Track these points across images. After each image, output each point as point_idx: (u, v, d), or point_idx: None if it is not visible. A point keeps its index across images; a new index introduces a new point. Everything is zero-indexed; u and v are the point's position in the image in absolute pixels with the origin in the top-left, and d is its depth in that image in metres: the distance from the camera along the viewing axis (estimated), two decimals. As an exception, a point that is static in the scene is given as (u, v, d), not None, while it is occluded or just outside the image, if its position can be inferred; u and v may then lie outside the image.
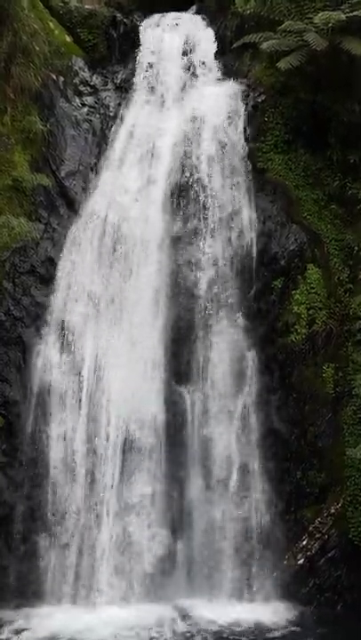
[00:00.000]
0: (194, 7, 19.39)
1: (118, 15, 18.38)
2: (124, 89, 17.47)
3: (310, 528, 14.67)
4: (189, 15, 18.92)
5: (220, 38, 17.94)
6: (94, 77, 17.57)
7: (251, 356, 15.20)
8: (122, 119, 16.94)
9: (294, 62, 15.40)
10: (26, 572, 14.06)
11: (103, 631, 13.07)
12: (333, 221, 16.02)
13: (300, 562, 14.54)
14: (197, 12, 19.11)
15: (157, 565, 14.26)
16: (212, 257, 15.53)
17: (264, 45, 15.93)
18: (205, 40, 17.80)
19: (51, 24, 17.50)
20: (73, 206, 15.99)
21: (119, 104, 17.22)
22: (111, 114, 17.07)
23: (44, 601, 13.92)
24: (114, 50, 18.03)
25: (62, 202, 15.98)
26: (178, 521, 14.54)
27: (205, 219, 15.70)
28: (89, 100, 17.19)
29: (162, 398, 14.88)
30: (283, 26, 15.86)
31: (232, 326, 15.30)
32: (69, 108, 16.85)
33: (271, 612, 14.01)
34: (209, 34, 18.00)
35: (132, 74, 17.59)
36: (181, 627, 13.40)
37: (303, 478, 14.85)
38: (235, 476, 14.79)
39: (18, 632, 13.01)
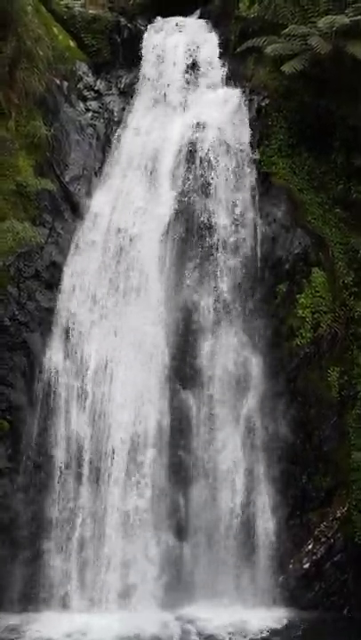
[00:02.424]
0: (197, 11, 19.37)
1: (122, 20, 18.44)
2: (128, 94, 17.50)
3: (316, 532, 14.65)
4: (193, 20, 18.92)
5: (223, 42, 17.92)
6: (98, 82, 17.60)
7: (256, 360, 15.19)
8: (126, 124, 16.97)
9: (298, 66, 15.40)
10: (31, 576, 14.06)
11: (108, 637, 13.05)
12: (338, 225, 16.01)
13: (306, 566, 14.52)
14: (201, 17, 19.09)
15: (162, 570, 14.24)
16: (217, 260, 15.51)
17: (268, 49, 15.93)
18: (209, 44, 17.77)
19: (54, 29, 17.53)
20: (77, 211, 16.01)
21: (123, 109, 17.25)
22: (115, 118, 17.09)
23: (49, 606, 13.94)
24: (118, 54, 18.10)
25: (66, 206, 15.99)
26: (183, 525, 14.53)
27: (209, 222, 15.69)
28: (93, 104, 17.22)
29: (166, 403, 14.87)
30: (287, 30, 15.87)
31: (237, 330, 15.30)
32: (73, 112, 16.88)
33: (278, 616, 14.00)
34: (213, 38, 17.98)
35: (136, 78, 17.60)
36: (186, 632, 13.38)
37: (308, 482, 14.84)
38: (240, 480, 14.78)
39: (22, 636, 13.01)
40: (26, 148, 15.94)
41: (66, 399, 14.66)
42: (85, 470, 14.43)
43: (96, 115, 17.10)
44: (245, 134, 16.35)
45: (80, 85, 17.37)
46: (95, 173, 16.43)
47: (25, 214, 15.42)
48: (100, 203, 16.09)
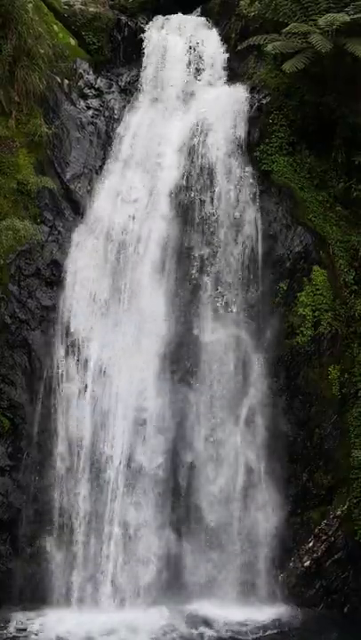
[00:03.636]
0: (198, 9, 19.32)
1: (123, 18, 18.39)
2: (129, 91, 17.46)
3: (316, 530, 14.67)
4: (194, 17, 18.85)
5: (224, 40, 17.88)
6: (99, 80, 17.56)
7: (256, 358, 15.19)
8: (126, 122, 16.90)
9: (299, 65, 15.38)
10: (32, 574, 14.11)
11: (110, 634, 13.08)
12: (338, 223, 16.02)
13: (307, 564, 14.54)
14: (202, 15, 19.03)
15: (164, 568, 14.30)
16: (218, 259, 15.52)
17: (269, 47, 15.91)
18: (210, 42, 17.73)
19: (55, 27, 17.51)
20: (78, 209, 16.00)
21: (124, 107, 17.20)
22: (116, 116, 17.04)
23: (50, 604, 13.98)
24: (118, 52, 18.07)
25: (67, 204, 15.99)
26: (184, 523, 14.55)
27: (210, 221, 15.70)
28: (94, 102, 17.18)
29: (167, 401, 14.89)
30: (287, 28, 15.82)
31: (238, 328, 15.30)
32: (74, 110, 16.85)
33: (278, 614, 14.02)
34: (213, 36, 17.94)
35: (137, 76, 17.57)
36: (187, 629, 13.40)
37: (309, 480, 14.86)
38: (241, 478, 14.80)
39: (24, 634, 13.03)
40: (26, 147, 15.94)
41: (66, 397, 14.67)
42: (86, 468, 14.44)
43: (97, 113, 17.06)
44: (246, 132, 16.31)
45: (81, 83, 17.33)
46: (96, 171, 16.40)
47: (26, 212, 15.43)
48: (100, 201, 16.07)
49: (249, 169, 16.18)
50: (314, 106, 16.20)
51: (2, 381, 14.39)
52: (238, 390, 15.06)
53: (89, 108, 17.06)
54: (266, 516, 14.67)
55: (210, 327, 15.25)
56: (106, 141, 16.71)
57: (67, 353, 14.94)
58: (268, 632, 13.48)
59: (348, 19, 15.23)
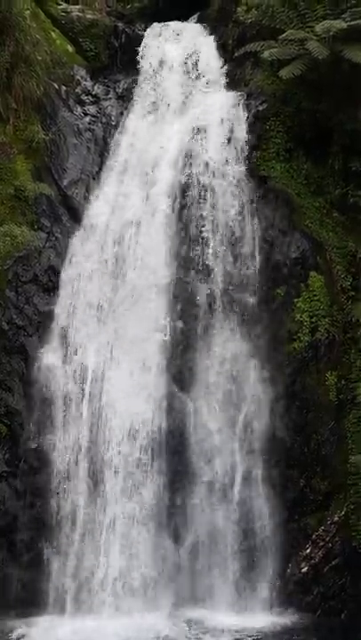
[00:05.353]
0: (195, 16, 19.41)
1: (120, 24, 18.50)
2: (126, 98, 17.52)
3: (314, 536, 14.63)
4: (191, 24, 18.95)
5: (221, 47, 17.95)
6: (96, 87, 17.63)
7: (253, 364, 15.18)
8: (124, 128, 16.98)
9: (296, 71, 15.41)
10: (29, 580, 14.06)
11: (106, 641, 13.08)
12: (335, 229, 16.03)
13: (304, 570, 14.51)
14: (199, 21, 19.13)
15: (160, 575, 14.21)
16: (215, 265, 15.53)
17: (265, 54, 15.95)
18: (207, 49, 17.82)
19: (53, 34, 17.59)
20: (75, 215, 16.04)
21: (121, 113, 17.27)
22: (113, 123, 17.11)
23: (47, 610, 13.91)
24: (116, 59, 18.18)
25: (64, 211, 16.02)
26: (181, 530, 14.50)
27: (207, 227, 15.71)
28: (91, 109, 17.24)
29: (165, 407, 14.84)
30: (284, 35, 15.84)
31: (235, 334, 15.29)
32: (71, 117, 16.91)
33: (275, 620, 13.97)
34: (210, 43, 18.02)
35: (134, 83, 17.63)
36: (184, 636, 13.34)
37: (306, 486, 14.82)
38: (238, 484, 14.76)
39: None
40: (24, 153, 15.99)
41: (63, 403, 14.66)
42: (83, 475, 14.41)
43: (94, 119, 17.12)
44: (243, 138, 16.36)
45: (78, 90, 17.41)
46: (93, 178, 16.46)
47: (23, 218, 15.46)
48: (97, 207, 16.11)
49: (246, 175, 16.21)
50: (311, 112, 16.23)
51: (-1, 387, 14.44)
52: (235, 396, 15.04)
53: (86, 114, 17.14)
54: (263, 522, 14.62)
55: (208, 334, 15.23)
56: (103, 148, 16.78)
57: (64, 359, 14.94)
58: (265, 639, 13.44)
59: (344, 25, 15.25)
